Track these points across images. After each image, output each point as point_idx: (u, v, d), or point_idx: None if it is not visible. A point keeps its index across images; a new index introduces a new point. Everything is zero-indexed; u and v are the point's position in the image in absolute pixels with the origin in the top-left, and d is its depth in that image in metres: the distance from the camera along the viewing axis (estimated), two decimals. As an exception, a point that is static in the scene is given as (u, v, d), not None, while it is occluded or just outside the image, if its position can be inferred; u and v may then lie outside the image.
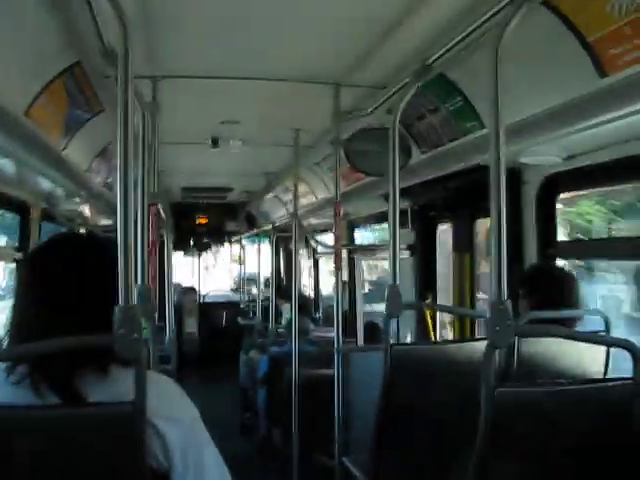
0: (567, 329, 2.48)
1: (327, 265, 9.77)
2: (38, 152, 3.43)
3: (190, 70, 3.88)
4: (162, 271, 7.12)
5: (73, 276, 1.66)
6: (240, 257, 12.05)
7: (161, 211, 4.22)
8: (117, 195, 1.64)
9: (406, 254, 5.83)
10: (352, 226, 8.14)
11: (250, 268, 12.00)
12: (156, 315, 3.61)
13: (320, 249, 9.80)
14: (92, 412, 1.52)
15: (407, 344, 4.76)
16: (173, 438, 1.60)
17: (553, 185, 3.89)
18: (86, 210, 6.55)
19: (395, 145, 3.15)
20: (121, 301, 1.54)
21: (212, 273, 14.91)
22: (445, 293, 5.38)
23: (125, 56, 1.73)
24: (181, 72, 3.88)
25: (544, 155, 3.48)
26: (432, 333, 5.53)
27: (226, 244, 13.20)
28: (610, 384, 2.08)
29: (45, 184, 4.77)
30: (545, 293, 3.13)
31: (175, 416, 1.64)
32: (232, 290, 13.41)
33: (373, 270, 8.98)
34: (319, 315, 9.41)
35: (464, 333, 4.76)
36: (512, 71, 2.84)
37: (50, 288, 1.64)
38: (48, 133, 3.57)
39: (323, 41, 3.42)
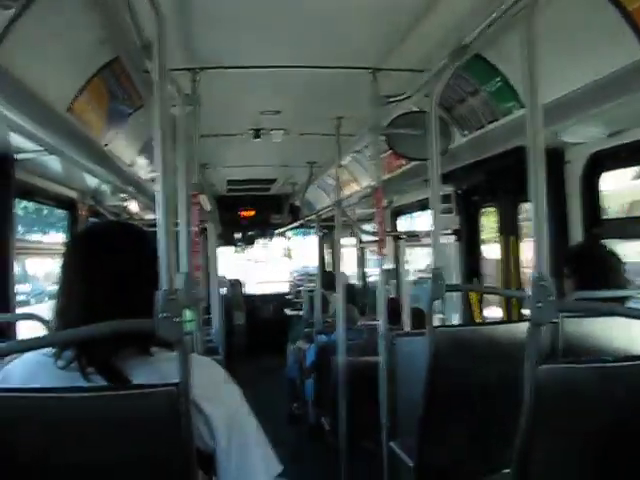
0: (612, 305, 2.42)
1: (373, 254, 9.74)
2: (82, 148, 3.50)
3: (228, 61, 3.91)
4: (207, 263, 7.24)
5: (114, 259, 1.71)
6: (289, 250, 12.08)
7: (203, 202, 4.27)
8: (158, 184, 1.66)
9: (452, 239, 5.80)
10: (396, 214, 8.12)
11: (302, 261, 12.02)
12: (202, 305, 3.64)
13: (365, 238, 9.78)
14: (137, 393, 1.54)
15: (450, 326, 4.72)
16: (218, 418, 1.63)
17: (597, 163, 3.82)
18: (132, 205, 6.66)
19: (435, 128, 3.14)
20: (163, 286, 1.56)
21: (262, 267, 14.95)
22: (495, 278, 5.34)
23: (161, 49, 1.75)
24: (220, 63, 3.91)
25: (587, 133, 3.43)
26: (478, 316, 5.49)
27: (274, 238, 13.23)
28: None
29: (91, 180, 4.87)
30: (588, 272, 3.09)
31: (219, 397, 1.67)
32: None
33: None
34: (366, 303, 9.38)
35: (512, 316, 4.72)
36: (550, 47, 2.82)
37: (92, 271, 1.68)
38: (91, 129, 3.64)
39: (358, 26, 3.41)
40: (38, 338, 1.65)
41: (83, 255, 1.74)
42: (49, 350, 1.62)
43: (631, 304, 2.99)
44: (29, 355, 1.66)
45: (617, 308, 2.19)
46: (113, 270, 1.69)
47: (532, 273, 1.92)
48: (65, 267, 1.74)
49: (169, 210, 1.65)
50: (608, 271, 3.07)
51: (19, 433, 1.50)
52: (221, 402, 1.66)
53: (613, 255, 3.19)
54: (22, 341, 1.73)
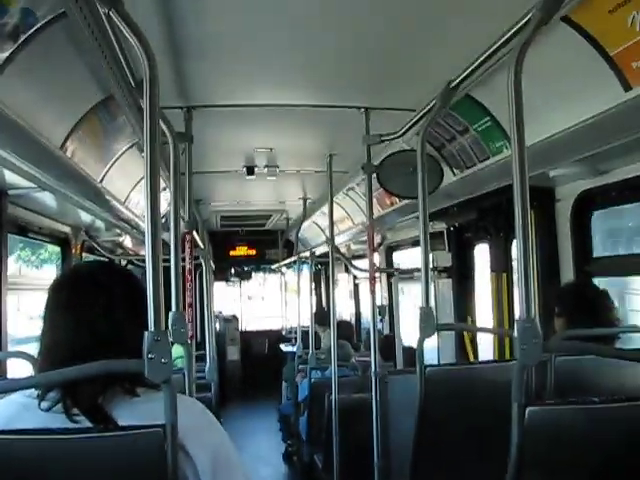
0: (598, 345, 2.43)
1: (368, 291, 9.73)
2: (75, 184, 3.52)
3: (221, 99, 3.94)
4: (202, 300, 7.24)
5: (100, 298, 1.70)
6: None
7: (197, 239, 4.28)
8: (145, 222, 1.67)
9: (444, 276, 5.82)
10: (391, 251, 8.15)
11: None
12: (194, 342, 3.63)
13: (360, 274, 9.79)
14: (123, 436, 1.53)
15: (441, 365, 4.71)
16: (203, 461, 1.61)
17: (587, 202, 3.86)
18: (127, 241, 6.67)
19: (423, 167, 3.16)
20: (151, 326, 1.56)
21: (257, 303, 14.91)
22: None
23: (151, 88, 1.75)
24: (212, 101, 3.94)
25: (576, 172, 3.46)
26: (471, 354, 5.48)
27: (268, 273, 13.24)
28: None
29: (85, 216, 4.88)
30: (579, 311, 3.10)
31: (204, 438, 1.65)
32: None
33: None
34: (360, 340, 9.37)
35: (505, 354, 4.72)
36: (537, 89, 2.87)
37: (77, 310, 1.68)
38: (85, 166, 3.66)
39: (350, 66, 3.45)
40: (27, 378, 1.65)
41: (68, 294, 1.73)
42: (33, 391, 1.61)
43: (619, 343, 3.00)
44: (13, 396, 1.64)
45: (604, 349, 2.20)
46: (99, 309, 1.68)
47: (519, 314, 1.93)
48: (50, 306, 1.73)
49: (158, 247, 1.65)
50: (598, 310, 3.08)
51: (2, 475, 1.49)
52: (205, 443, 1.64)
53: (603, 294, 3.20)
54: (11, 381, 1.72)
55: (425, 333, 2.97)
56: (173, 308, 2.88)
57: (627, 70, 2.42)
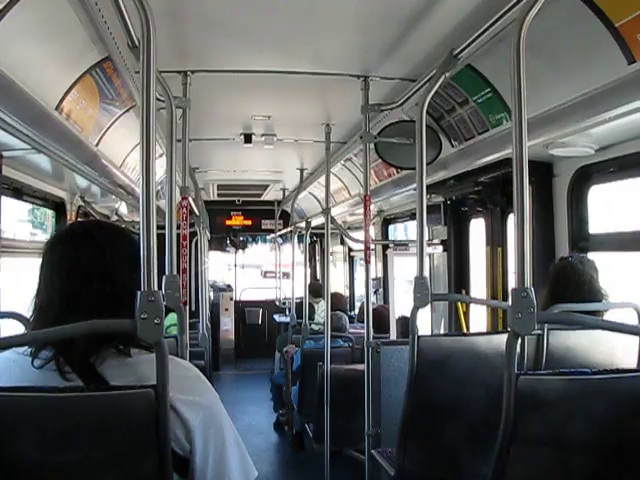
0: (592, 317, 2.42)
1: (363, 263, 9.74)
2: (71, 147, 3.49)
3: (219, 64, 3.90)
4: (197, 267, 7.23)
5: (96, 257, 1.68)
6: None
7: (193, 205, 4.26)
8: (140, 183, 1.65)
9: (439, 249, 5.82)
10: (386, 223, 8.14)
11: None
12: (187, 308, 3.62)
13: (355, 247, 9.80)
14: (114, 396, 1.53)
15: (433, 335, 4.73)
16: (195, 422, 1.61)
17: (585, 177, 3.85)
18: (122, 207, 6.65)
19: (422, 137, 3.14)
20: (144, 287, 1.55)
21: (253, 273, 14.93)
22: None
23: (148, 49, 1.72)
24: (211, 66, 3.90)
25: (575, 147, 3.44)
26: (464, 326, 5.50)
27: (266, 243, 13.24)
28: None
29: (81, 181, 4.85)
30: (561, 285, 3.08)
31: (196, 400, 1.65)
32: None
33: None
34: (354, 313, 9.40)
35: (497, 327, 4.73)
36: (538, 60, 2.84)
37: (71, 269, 1.66)
38: (81, 128, 3.63)
39: (350, 33, 3.42)
40: (17, 336, 1.64)
41: (64, 251, 1.71)
42: (26, 349, 1.60)
43: (607, 315, 3.00)
44: (5, 354, 1.63)
45: (601, 322, 2.20)
46: (95, 265, 1.66)
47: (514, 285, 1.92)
48: (45, 264, 1.71)
49: (152, 212, 1.64)
50: (581, 284, 3.06)
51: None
52: (197, 404, 1.64)
53: (590, 268, 3.17)
54: (0, 339, 1.71)
55: (419, 303, 2.97)
56: (167, 272, 2.88)
57: (632, 42, 2.39)
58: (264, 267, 14.59)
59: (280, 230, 10.88)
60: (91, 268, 1.66)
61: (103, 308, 1.61)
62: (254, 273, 15.12)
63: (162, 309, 1.54)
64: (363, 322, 5.06)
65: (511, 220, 4.71)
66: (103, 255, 1.69)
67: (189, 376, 1.73)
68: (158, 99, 3.29)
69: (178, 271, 3.14)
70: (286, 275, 10.99)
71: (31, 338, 1.65)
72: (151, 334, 1.51)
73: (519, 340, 1.91)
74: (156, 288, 1.58)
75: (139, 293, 1.53)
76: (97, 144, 4.10)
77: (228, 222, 12.30)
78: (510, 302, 1.87)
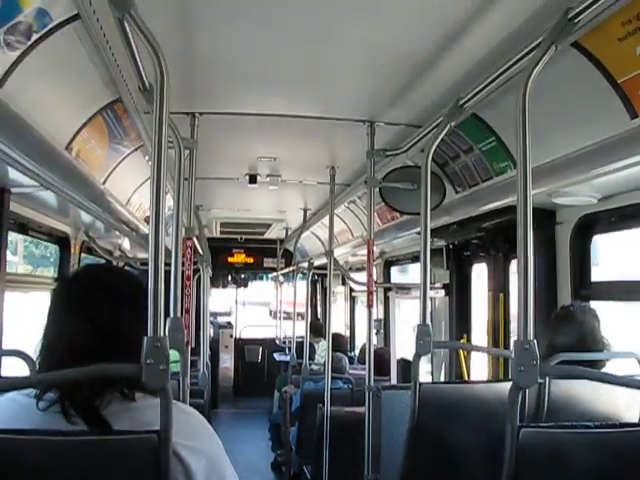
0: (595, 371, 2.42)
1: (364, 305, 9.73)
2: (78, 185, 3.52)
3: (227, 107, 3.96)
4: (198, 306, 7.21)
5: (104, 302, 1.69)
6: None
7: (197, 245, 4.28)
8: (150, 227, 1.67)
9: (441, 293, 5.82)
10: (389, 265, 8.15)
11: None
12: (189, 348, 3.62)
13: (357, 288, 9.79)
14: (117, 440, 1.53)
15: (435, 382, 4.71)
16: (197, 469, 1.60)
17: (588, 226, 3.87)
18: (125, 243, 6.67)
19: (427, 183, 3.16)
20: (150, 332, 1.56)
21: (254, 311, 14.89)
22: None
23: (161, 93, 1.76)
24: (219, 109, 3.95)
25: (578, 196, 3.47)
26: (465, 373, 5.48)
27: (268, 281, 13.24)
28: (642, 429, 2.03)
29: (86, 217, 4.88)
30: (565, 334, 3.07)
31: (199, 446, 1.64)
32: None
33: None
34: (354, 354, 9.36)
35: (499, 374, 4.71)
36: (542, 112, 2.88)
37: (80, 313, 1.67)
38: (89, 167, 3.66)
39: (358, 80, 3.48)
40: (22, 378, 1.64)
41: (75, 293, 1.73)
42: (31, 391, 1.60)
43: (607, 366, 2.99)
44: (10, 395, 1.63)
45: (604, 375, 2.19)
46: (105, 309, 1.68)
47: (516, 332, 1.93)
48: (55, 305, 1.73)
49: (161, 252, 1.65)
50: (583, 334, 3.05)
51: (-2, 474, 1.49)
52: (200, 451, 1.64)
53: (586, 311, 3.16)
54: (5, 380, 1.72)
55: (421, 350, 2.97)
56: (171, 314, 2.88)
57: (634, 98, 2.43)
58: (272, 306, 14.44)
59: (282, 269, 10.88)
60: (100, 313, 1.67)
61: (109, 352, 1.61)
62: (259, 311, 15.04)
63: (168, 355, 1.55)
64: (363, 363, 5.05)
65: (513, 266, 4.72)
66: (114, 299, 1.71)
67: (193, 422, 1.73)
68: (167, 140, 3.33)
69: (181, 312, 3.15)
70: (300, 315, 10.94)
71: (36, 381, 1.66)
72: (156, 380, 1.52)
73: (521, 392, 1.91)
74: (162, 333, 1.59)
75: (145, 339, 1.54)
76: (104, 182, 4.13)
77: (230, 259, 12.30)
78: (513, 354, 1.88)
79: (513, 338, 1.94)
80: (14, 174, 3.20)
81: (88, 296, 1.71)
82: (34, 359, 1.74)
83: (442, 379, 5.87)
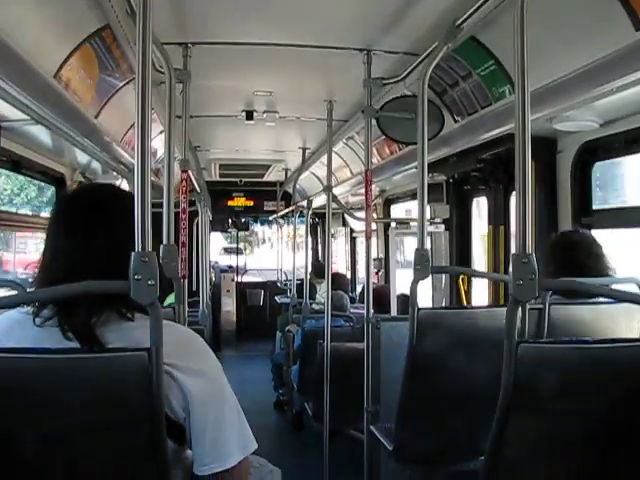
0: (596, 285, 2.37)
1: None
2: (69, 118, 3.45)
3: (221, 37, 3.86)
4: (197, 246, 7.21)
5: (98, 220, 1.69)
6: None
7: (194, 181, 4.23)
8: (136, 155, 1.61)
9: (441, 228, 5.79)
10: (389, 203, 8.11)
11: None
12: (187, 282, 3.60)
13: (357, 227, 9.78)
14: (107, 358, 1.51)
15: (434, 308, 4.70)
16: (195, 392, 1.60)
17: (589, 153, 3.82)
18: (124, 184, 6.61)
19: (424, 112, 3.10)
20: (138, 247, 1.52)
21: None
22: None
23: (144, 13, 1.65)
24: (212, 39, 3.85)
25: (580, 120, 3.41)
26: (464, 301, 5.48)
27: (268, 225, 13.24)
28: (642, 345, 2.00)
29: (82, 156, 4.82)
30: (566, 258, 3.04)
31: (198, 369, 1.64)
32: None
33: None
34: (356, 294, 9.38)
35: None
36: (542, 30, 2.80)
37: (77, 230, 1.67)
38: (79, 99, 3.58)
39: (353, 6, 3.38)
40: (13, 296, 1.62)
41: (69, 214, 1.73)
42: (29, 309, 1.61)
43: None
44: (9, 313, 1.65)
45: (602, 288, 2.16)
46: (99, 227, 1.68)
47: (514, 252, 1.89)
48: (50, 229, 1.72)
49: (147, 181, 1.59)
50: (585, 255, 3.02)
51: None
52: (200, 374, 1.63)
53: (591, 240, 3.12)
54: (-5, 298, 1.69)
55: (419, 275, 2.94)
56: (164, 241, 2.85)
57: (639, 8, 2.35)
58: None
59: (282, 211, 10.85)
60: (95, 229, 1.67)
61: (105, 273, 1.58)
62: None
63: (156, 270, 1.52)
64: (364, 302, 5.05)
65: (514, 198, 4.68)
66: (106, 216, 1.71)
67: (188, 341, 1.71)
68: (158, 70, 3.25)
69: (177, 243, 3.12)
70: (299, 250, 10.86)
71: (27, 297, 1.65)
72: (145, 295, 1.49)
73: (520, 309, 1.88)
74: (150, 248, 1.55)
75: (132, 254, 1.51)
76: (96, 116, 4.05)
77: (230, 203, 12.25)
78: (510, 268, 1.84)
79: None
80: (2, 107, 3.13)
81: (81, 216, 1.70)
82: (27, 289, 1.73)
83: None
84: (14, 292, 2.08)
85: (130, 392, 1.52)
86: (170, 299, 4.51)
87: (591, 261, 2.98)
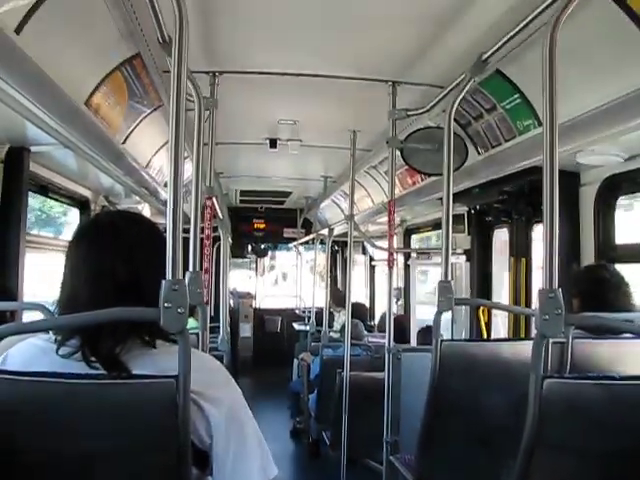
0: (621, 321, 2.37)
1: (384, 274, 9.72)
2: (97, 143, 3.50)
3: (248, 66, 3.92)
4: (217, 272, 7.24)
5: (120, 245, 1.68)
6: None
7: (217, 206, 4.26)
8: (168, 187, 1.63)
9: (462, 259, 5.78)
10: (409, 233, 8.11)
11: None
12: (209, 309, 3.62)
13: (376, 256, 9.77)
14: (135, 385, 1.52)
15: (457, 340, 4.68)
16: (217, 417, 1.60)
17: (613, 187, 3.81)
18: (145, 210, 6.67)
19: (449, 144, 3.11)
20: (168, 275, 1.54)
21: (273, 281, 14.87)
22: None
23: (181, 46, 1.70)
24: (239, 68, 3.91)
25: (604, 155, 3.41)
26: (484, 333, 5.45)
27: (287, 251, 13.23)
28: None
29: (106, 180, 4.88)
30: (592, 293, 3.03)
31: (219, 395, 1.64)
32: None
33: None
34: (373, 322, 9.36)
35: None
36: (569, 65, 2.81)
37: (98, 258, 1.66)
38: (108, 125, 3.64)
39: (379, 38, 3.42)
40: (42, 321, 1.64)
41: (89, 241, 1.71)
42: (51, 336, 1.61)
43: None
44: (32, 340, 1.64)
45: (629, 325, 2.15)
46: (119, 255, 1.66)
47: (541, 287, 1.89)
48: (71, 255, 1.71)
49: (179, 212, 1.62)
50: (612, 293, 3.01)
51: (15, 416, 1.48)
52: (221, 401, 1.63)
53: (619, 277, 3.12)
54: (24, 323, 1.71)
55: (443, 307, 2.94)
56: (190, 268, 2.87)
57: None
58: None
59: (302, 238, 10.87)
60: (115, 257, 1.66)
61: (127, 298, 1.59)
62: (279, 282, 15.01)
63: (186, 299, 1.53)
64: (383, 332, 5.04)
65: (536, 232, 4.67)
66: (127, 244, 1.70)
67: (212, 370, 1.72)
68: (187, 99, 3.30)
69: (201, 269, 3.14)
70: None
71: (54, 324, 1.65)
72: (174, 323, 1.50)
73: (545, 342, 1.88)
74: (180, 276, 1.57)
75: (163, 282, 1.52)
76: (123, 142, 4.11)
77: (250, 229, 12.30)
78: (537, 304, 1.84)
79: (535, 305, 1.90)
80: (33, 131, 3.19)
81: (101, 245, 1.69)
82: (54, 312, 1.73)
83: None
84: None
85: (157, 419, 1.52)
86: (189, 324, 4.54)
87: (619, 299, 2.97)
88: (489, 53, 2.91)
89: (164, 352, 1.60)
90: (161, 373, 1.51)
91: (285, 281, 14.72)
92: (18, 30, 2.29)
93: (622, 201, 3.88)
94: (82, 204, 5.28)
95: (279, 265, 14.60)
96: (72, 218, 5.54)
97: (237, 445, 1.63)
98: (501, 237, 5.44)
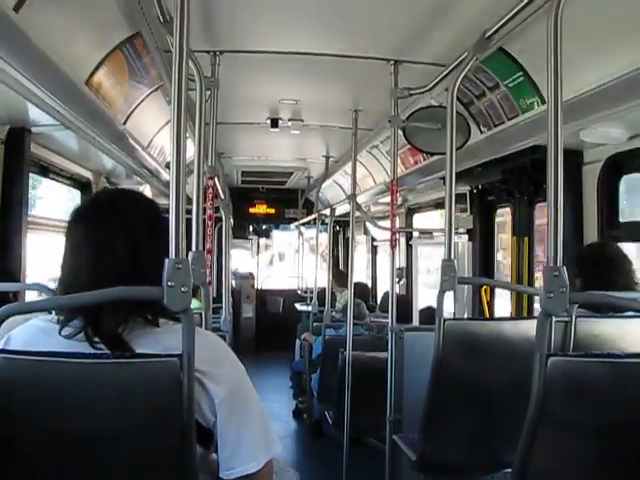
0: (627, 299, 2.36)
1: (386, 254, 9.71)
2: (98, 124, 3.49)
3: (249, 45, 3.89)
4: (220, 252, 7.23)
5: (123, 224, 1.68)
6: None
7: (218, 186, 4.25)
8: (171, 166, 1.62)
9: (464, 238, 5.77)
10: (411, 213, 8.10)
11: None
12: (211, 289, 3.61)
13: (378, 236, 9.76)
14: (139, 364, 1.52)
15: (460, 319, 4.67)
16: (222, 398, 1.61)
17: (617, 166, 3.79)
18: (147, 191, 6.66)
19: (452, 122, 3.09)
20: (172, 254, 1.53)
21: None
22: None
23: (182, 24, 1.68)
24: (240, 47, 3.88)
25: (607, 134, 3.39)
26: (487, 312, 5.45)
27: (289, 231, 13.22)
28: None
29: (107, 161, 4.86)
30: (594, 272, 3.02)
31: (222, 372, 1.65)
32: None
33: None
34: (376, 302, 9.36)
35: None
36: (574, 42, 2.78)
37: (98, 236, 1.65)
38: (109, 105, 3.62)
39: (381, 16, 3.38)
40: (44, 300, 1.63)
41: (89, 220, 1.70)
42: (54, 316, 1.61)
43: None
44: (34, 321, 1.64)
45: (634, 302, 2.13)
46: (119, 233, 1.65)
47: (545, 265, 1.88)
48: (71, 234, 1.71)
49: (182, 191, 1.61)
50: (615, 271, 3.00)
51: (18, 396, 1.48)
52: (225, 378, 1.64)
53: (622, 255, 3.11)
54: (25, 303, 1.71)
55: (446, 286, 2.94)
56: (193, 248, 2.86)
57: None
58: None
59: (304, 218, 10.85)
60: (115, 235, 1.65)
61: (128, 276, 1.59)
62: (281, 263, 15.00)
63: (190, 278, 1.53)
64: (385, 311, 5.03)
65: (538, 210, 4.66)
66: (127, 222, 1.69)
67: (216, 348, 1.72)
68: (188, 78, 3.28)
69: (203, 249, 3.13)
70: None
71: (56, 303, 1.65)
72: (178, 302, 1.50)
73: (549, 320, 1.87)
74: (184, 255, 1.56)
75: (167, 260, 1.51)
76: (124, 122, 4.09)
77: (251, 210, 12.29)
78: (542, 281, 1.84)
79: (538, 282, 1.90)
80: (33, 112, 3.17)
81: (101, 223, 1.68)
82: (55, 292, 1.73)
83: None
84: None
85: (161, 397, 1.52)
86: (192, 304, 4.53)
87: (621, 277, 2.97)
88: (492, 31, 2.88)
89: (168, 331, 1.60)
90: (165, 352, 1.52)
91: (281, 261, 14.74)
92: (17, 8, 2.27)
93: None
94: (83, 185, 5.28)
95: (275, 244, 14.60)
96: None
97: (240, 422, 1.64)
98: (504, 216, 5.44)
